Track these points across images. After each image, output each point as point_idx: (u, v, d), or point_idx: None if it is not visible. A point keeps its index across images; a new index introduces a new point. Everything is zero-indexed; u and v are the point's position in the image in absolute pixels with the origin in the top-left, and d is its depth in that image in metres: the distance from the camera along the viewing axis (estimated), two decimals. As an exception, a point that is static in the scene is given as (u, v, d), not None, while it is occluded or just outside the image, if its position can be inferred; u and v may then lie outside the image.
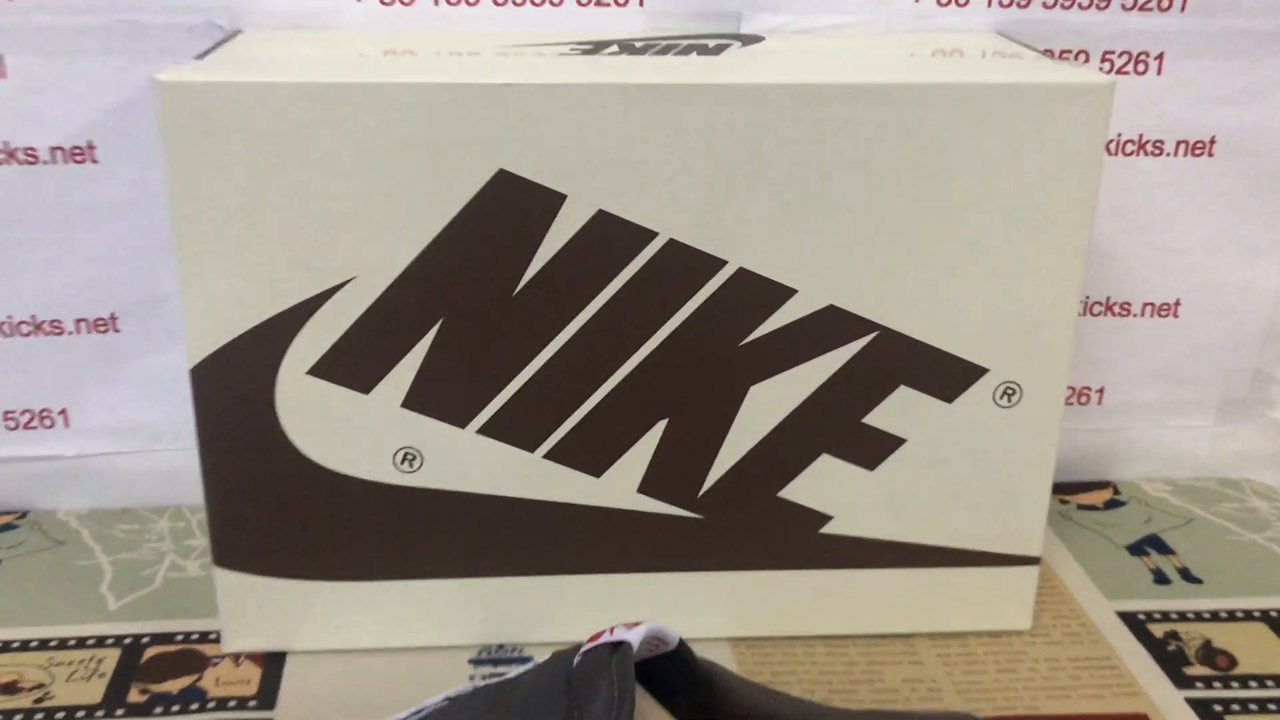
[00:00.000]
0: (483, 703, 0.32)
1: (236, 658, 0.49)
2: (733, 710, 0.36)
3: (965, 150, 0.42)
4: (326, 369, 0.43)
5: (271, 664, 0.49)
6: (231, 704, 0.46)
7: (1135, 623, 0.52)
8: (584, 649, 0.32)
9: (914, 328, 0.44)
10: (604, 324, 0.43)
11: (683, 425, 0.45)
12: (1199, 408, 0.62)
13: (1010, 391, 0.46)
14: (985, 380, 0.46)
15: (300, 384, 0.44)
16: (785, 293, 0.43)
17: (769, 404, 0.45)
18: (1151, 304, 0.59)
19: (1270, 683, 0.49)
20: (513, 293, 0.43)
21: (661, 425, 0.45)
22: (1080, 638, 0.51)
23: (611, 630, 0.32)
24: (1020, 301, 0.44)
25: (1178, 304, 0.59)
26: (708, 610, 0.49)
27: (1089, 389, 0.61)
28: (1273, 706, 0.48)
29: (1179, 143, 0.56)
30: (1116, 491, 0.62)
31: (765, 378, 0.45)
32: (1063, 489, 0.62)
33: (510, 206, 0.41)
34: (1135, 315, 0.59)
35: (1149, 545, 0.58)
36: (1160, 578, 0.55)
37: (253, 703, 0.47)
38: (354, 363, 0.43)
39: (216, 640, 0.50)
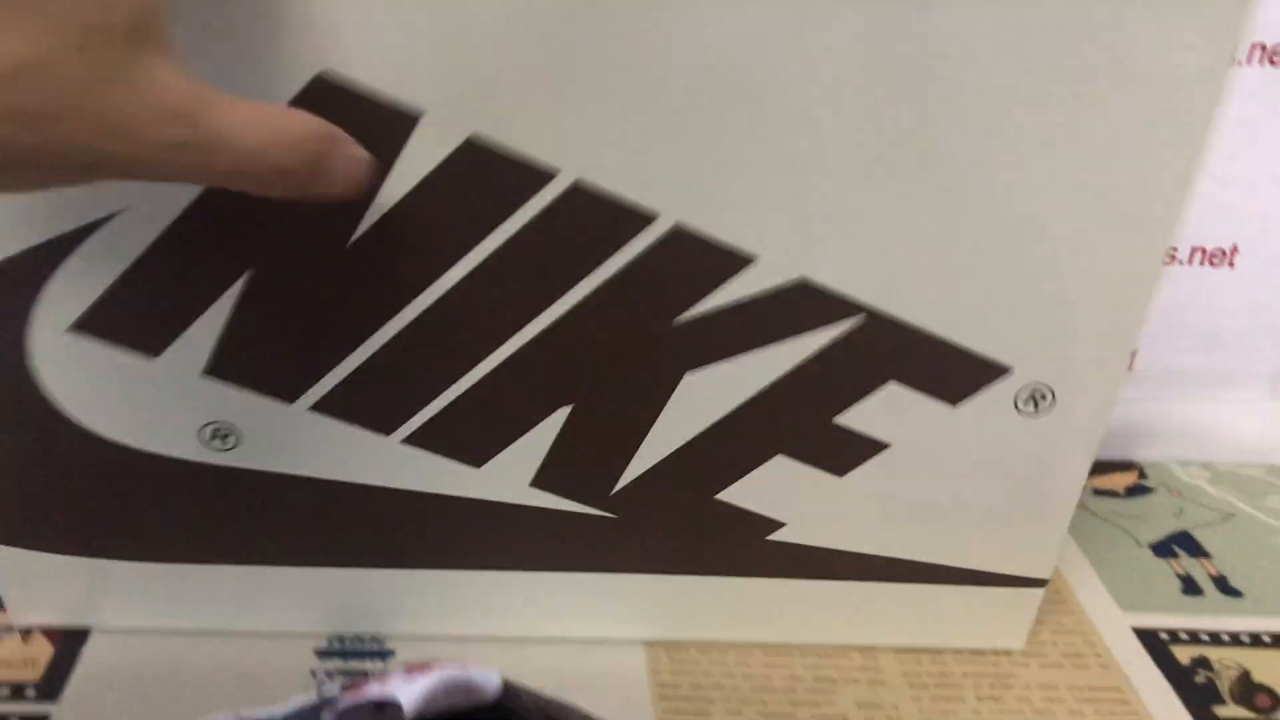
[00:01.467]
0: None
1: (26, 633, 0.39)
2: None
3: (1011, 63, 0.29)
4: (95, 325, 0.33)
5: (70, 643, 0.39)
6: (3, 692, 0.37)
7: (1156, 644, 0.42)
8: (341, 706, 0.21)
9: (913, 311, 0.33)
10: (482, 286, 0.32)
11: (591, 414, 0.35)
12: (1251, 378, 0.51)
13: (1040, 397, 0.35)
14: (1007, 381, 0.34)
15: (62, 342, 0.33)
16: (738, 261, 0.32)
17: (709, 396, 0.34)
18: (1202, 249, 0.48)
19: (1324, 734, 0.39)
20: (348, 240, 0.32)
21: (564, 413, 0.35)
22: (1086, 660, 0.41)
23: (384, 679, 0.22)
24: (1068, 283, 0.33)
25: (1234, 251, 0.48)
26: (619, 611, 0.39)
27: (1117, 350, 0.50)
28: (1326, 766, 0.37)
29: (1255, 46, 0.45)
30: (1143, 475, 0.51)
31: (704, 364, 0.34)
32: (1077, 469, 0.51)
33: (341, 124, 0.30)
34: (1181, 263, 0.48)
35: (1178, 545, 0.47)
36: (1190, 587, 0.45)
37: (30, 691, 0.37)
38: (133, 320, 0.32)
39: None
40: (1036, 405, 0.34)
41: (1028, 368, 0.34)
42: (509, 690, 0.23)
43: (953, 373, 0.34)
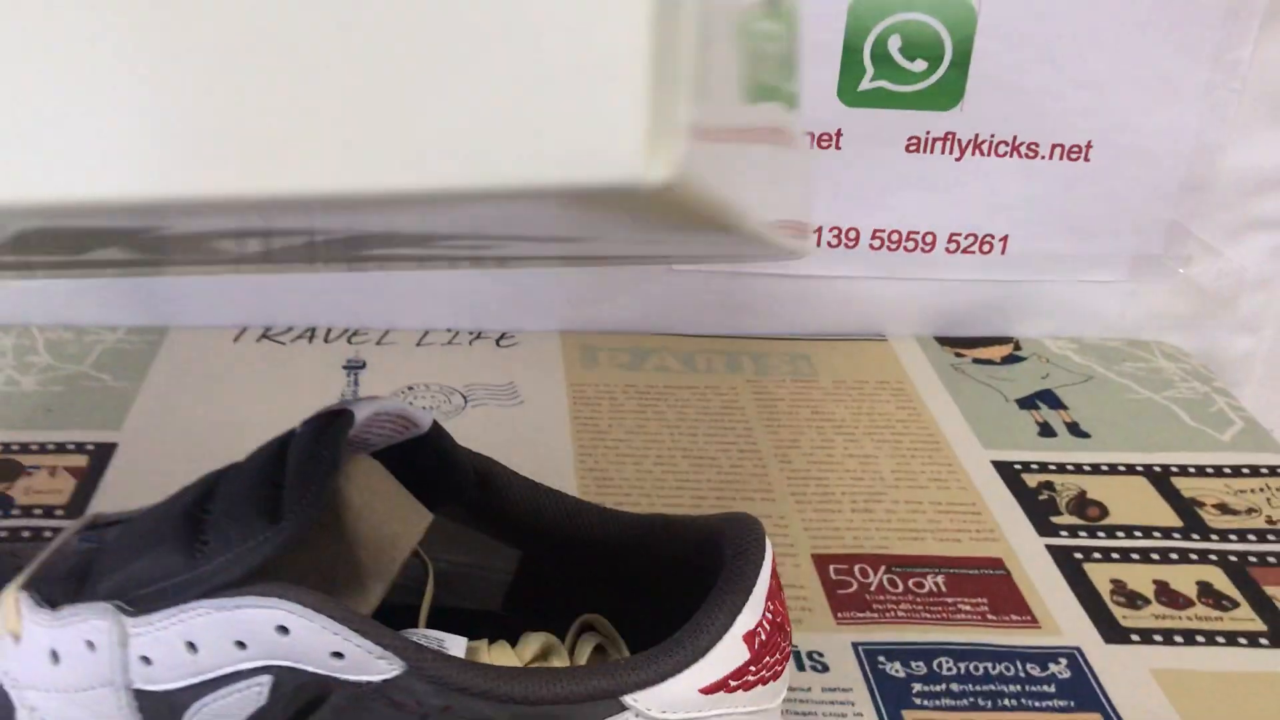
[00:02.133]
0: (203, 482, 0.30)
1: (53, 470, 0.47)
2: (511, 513, 0.34)
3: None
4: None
5: (90, 477, 0.46)
6: (36, 511, 0.44)
7: (1010, 472, 0.50)
8: (304, 420, 0.29)
9: None
10: None
11: None
12: (1111, 262, 0.58)
13: None
14: None
15: None
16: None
17: None
18: (1061, 145, 0.55)
19: (1137, 533, 0.46)
20: None
21: None
22: (947, 484, 0.49)
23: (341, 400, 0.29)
24: None
25: (1089, 146, 0.55)
26: None
27: (992, 236, 0.57)
28: (1135, 556, 0.45)
29: (1094, -35, 0.52)
30: (1018, 347, 0.59)
31: None
32: (960, 343, 0.59)
33: None
34: (1043, 158, 0.56)
35: (1041, 399, 0.55)
36: (1046, 431, 0.53)
37: (59, 511, 0.44)
38: None
39: (38, 451, 0.48)
40: None
41: None
42: (439, 429, 0.31)
43: None
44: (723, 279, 0.57)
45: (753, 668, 0.29)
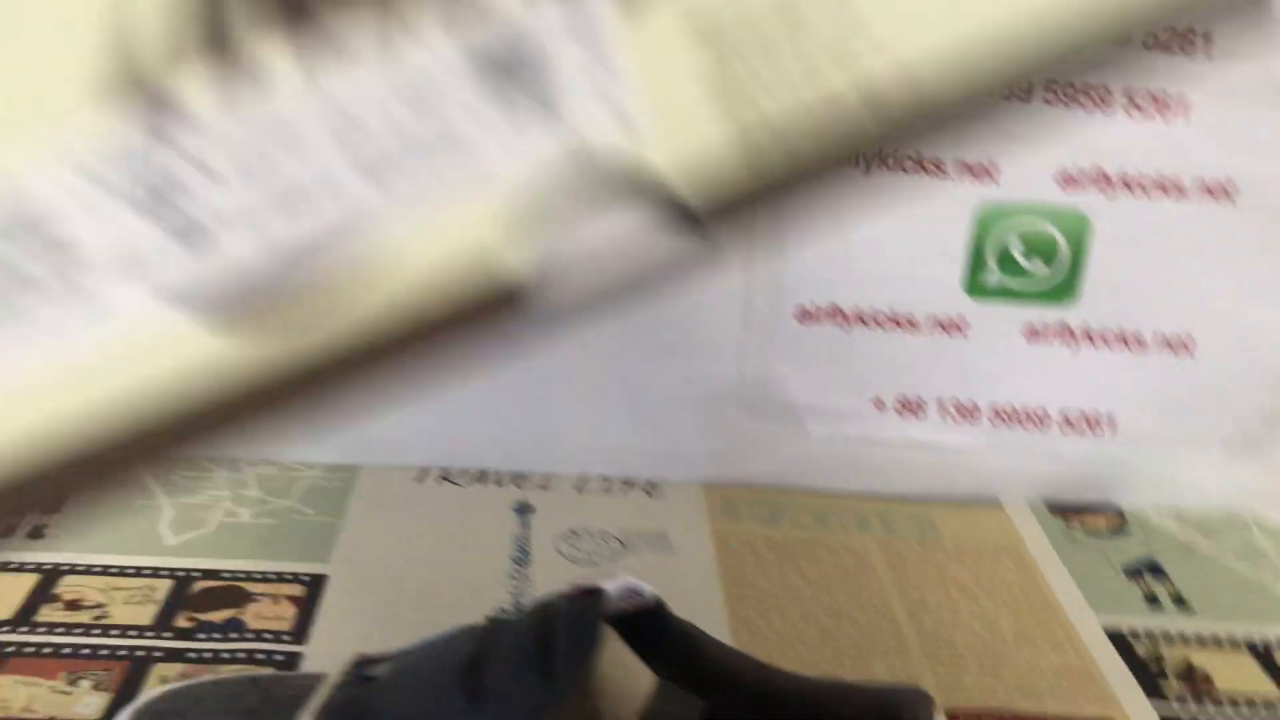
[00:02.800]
0: (474, 635, 0.36)
1: (275, 598, 0.54)
2: (709, 672, 0.40)
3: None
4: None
5: (307, 605, 0.53)
6: (267, 635, 0.51)
7: (1120, 639, 0.55)
8: (563, 595, 0.35)
9: None
10: None
11: None
12: (1209, 442, 0.64)
13: None
14: None
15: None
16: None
17: None
18: (1164, 337, 0.61)
19: (1244, 705, 0.51)
20: None
21: None
22: (1064, 648, 0.54)
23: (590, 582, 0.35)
24: None
25: (1191, 339, 0.61)
26: None
27: (1100, 415, 0.63)
28: (1240, 725, 0.50)
29: (1199, 184, 0.59)
30: (1122, 518, 0.64)
31: None
32: (1070, 511, 0.64)
33: None
34: (1148, 347, 0.62)
35: (1146, 569, 0.60)
36: (1152, 600, 0.58)
37: (286, 636, 0.51)
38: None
39: (261, 580, 0.55)
40: None
41: None
42: (660, 602, 0.37)
43: None
44: (853, 445, 0.64)
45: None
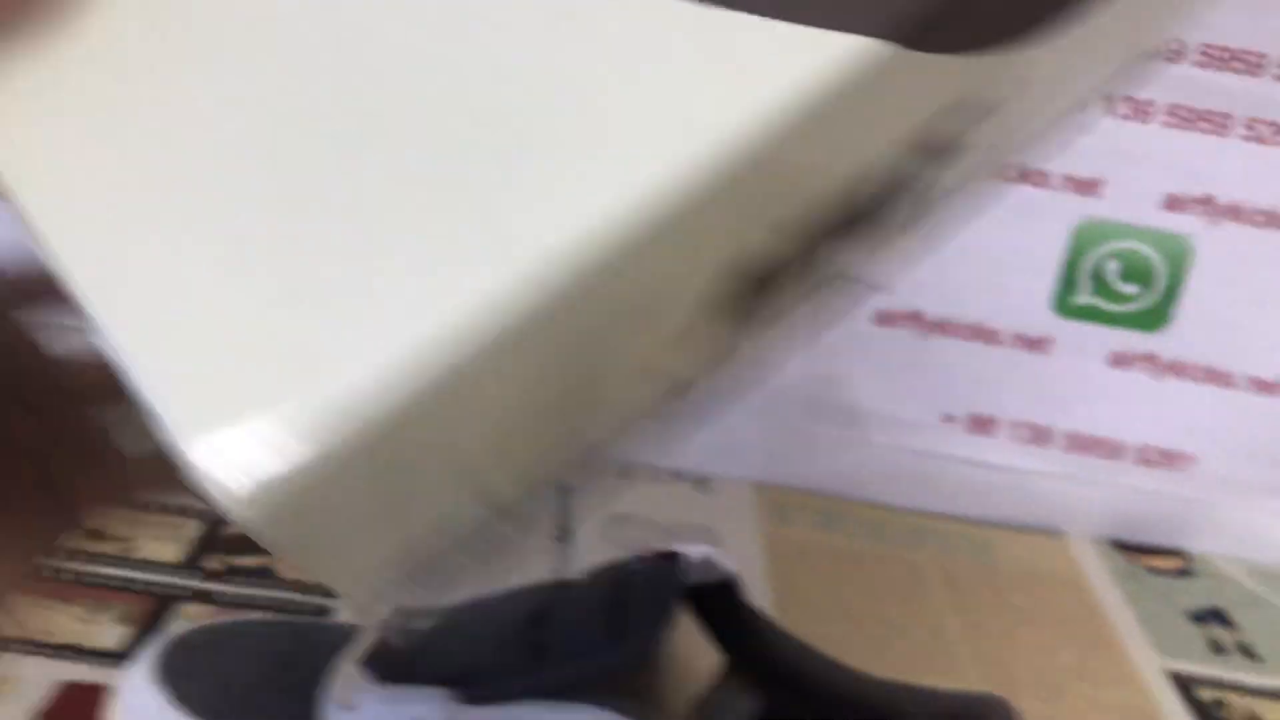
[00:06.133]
0: (536, 594, 0.34)
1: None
2: (777, 661, 0.37)
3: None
4: None
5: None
6: (298, 586, 0.49)
7: (1184, 684, 0.52)
8: (639, 557, 0.33)
9: None
10: None
11: None
12: (1289, 493, 0.61)
13: None
14: None
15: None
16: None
17: None
18: (1256, 379, 0.59)
19: (1313, 765, 0.48)
20: None
21: None
22: (1125, 686, 0.51)
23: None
24: None
25: (1283, 383, 0.59)
26: None
27: (1179, 454, 0.60)
28: (1311, 787, 0.47)
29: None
30: (1190, 561, 0.61)
31: None
32: (1135, 549, 0.62)
33: None
34: (1236, 386, 0.59)
35: (1212, 616, 0.57)
36: (1218, 648, 0.55)
37: (318, 588, 0.49)
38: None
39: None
40: None
41: None
42: (736, 579, 0.35)
43: None
44: (916, 458, 0.61)
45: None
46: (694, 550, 0.33)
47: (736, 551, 0.57)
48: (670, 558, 0.32)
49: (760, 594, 0.54)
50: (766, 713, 0.39)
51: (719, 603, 0.35)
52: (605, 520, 0.58)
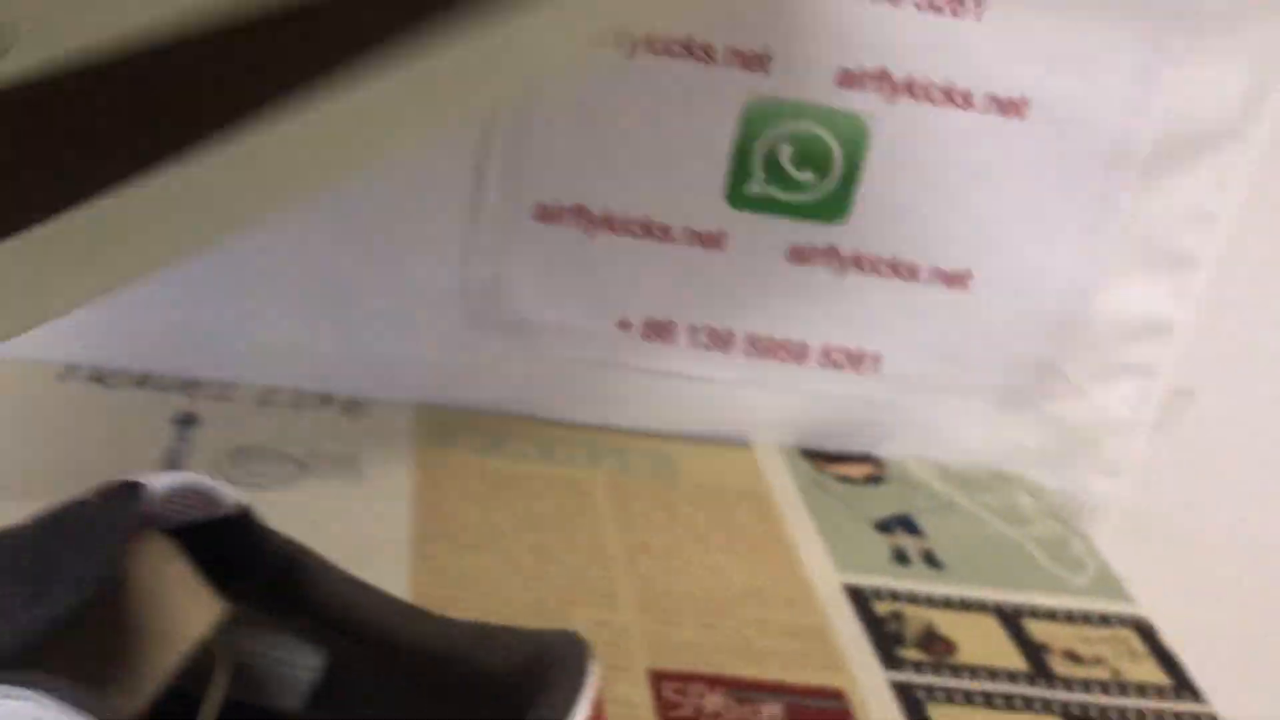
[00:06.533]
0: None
1: None
2: (317, 606, 0.31)
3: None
4: None
5: None
6: None
7: (860, 597, 0.48)
8: (93, 493, 0.26)
9: None
10: None
11: None
12: (981, 392, 0.58)
13: None
14: None
15: None
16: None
17: None
18: (941, 271, 0.55)
19: (984, 675, 0.45)
20: None
21: None
22: (796, 604, 0.47)
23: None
24: None
25: (968, 275, 0.55)
26: None
27: (865, 354, 0.56)
28: (979, 699, 0.44)
29: (990, 98, 0.52)
30: (881, 468, 0.58)
31: None
32: (825, 457, 0.58)
33: None
34: (922, 281, 0.55)
35: (899, 524, 0.54)
36: (901, 558, 0.51)
37: None
38: None
39: None
40: None
41: None
42: (246, 511, 0.28)
43: None
44: (587, 368, 0.55)
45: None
46: (165, 480, 0.26)
47: (380, 481, 0.50)
48: (127, 491, 0.25)
49: (400, 527, 0.47)
50: (333, 667, 0.32)
51: (236, 541, 0.29)
52: (224, 455, 0.50)
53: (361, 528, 0.47)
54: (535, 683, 0.28)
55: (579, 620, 0.44)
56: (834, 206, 0.53)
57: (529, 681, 0.29)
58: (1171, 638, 0.49)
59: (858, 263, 0.54)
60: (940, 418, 0.58)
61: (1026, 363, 0.58)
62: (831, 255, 0.54)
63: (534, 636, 0.29)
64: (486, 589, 0.45)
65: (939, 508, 0.56)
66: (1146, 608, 0.51)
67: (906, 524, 0.54)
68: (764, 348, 0.56)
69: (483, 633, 0.30)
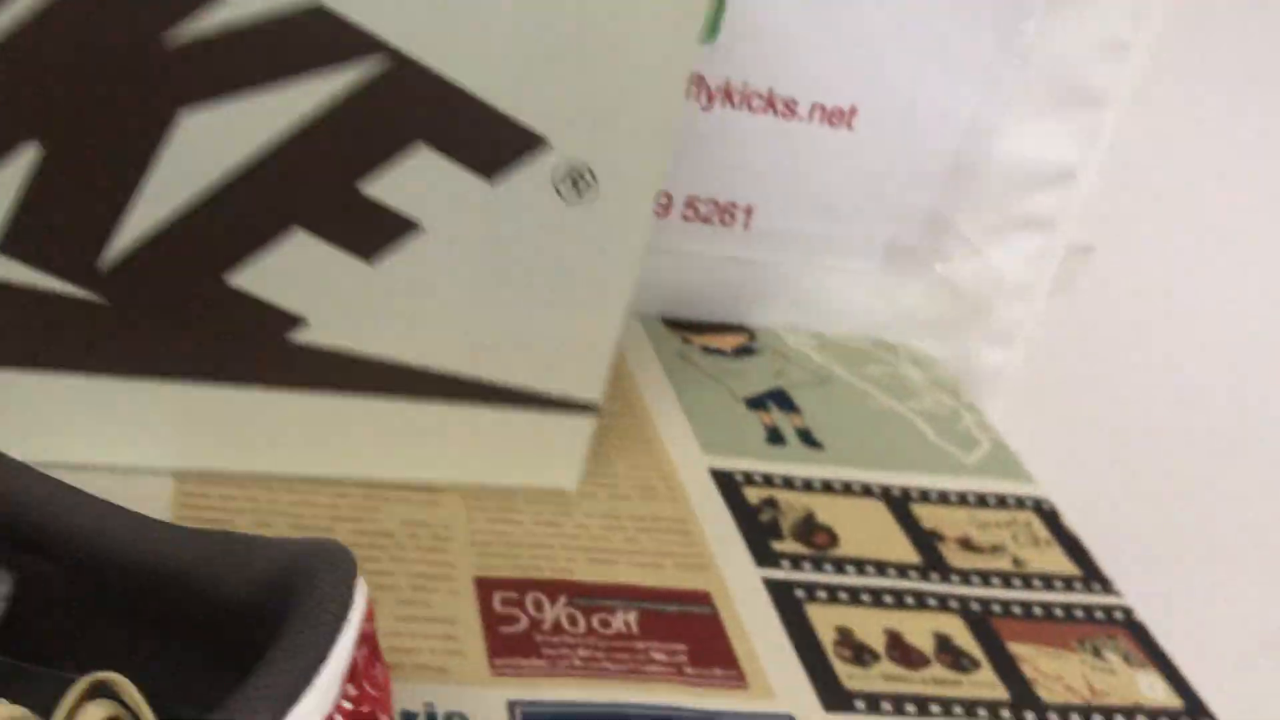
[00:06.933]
0: None
1: None
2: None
3: None
4: None
5: None
6: None
7: (729, 483, 0.41)
8: None
9: (442, 59, 0.30)
10: None
11: (68, 157, 0.29)
12: (864, 250, 0.51)
13: (579, 178, 0.32)
14: (544, 157, 0.32)
15: None
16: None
17: (212, 144, 0.30)
18: (822, 107, 0.48)
19: (870, 569, 0.39)
20: None
21: (31, 153, 0.29)
22: (656, 493, 0.40)
23: None
24: (610, 55, 0.31)
25: (853, 112, 0.48)
26: (123, 428, 0.34)
27: (735, 206, 0.49)
28: (866, 597, 0.38)
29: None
30: (752, 338, 0.51)
31: (203, 100, 0.29)
32: (690, 327, 0.50)
33: None
34: (801, 119, 0.48)
35: (772, 400, 0.47)
36: (775, 437, 0.45)
37: None
38: None
39: None
40: (578, 188, 0.32)
41: (566, 142, 0.32)
42: None
43: (486, 139, 0.31)
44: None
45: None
46: None
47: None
48: None
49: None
50: (24, 591, 0.24)
51: None
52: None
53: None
54: (283, 604, 0.20)
55: (391, 519, 0.36)
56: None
57: (276, 602, 0.21)
58: (1075, 520, 0.44)
59: (727, 94, 0.46)
60: (818, 280, 0.51)
61: (915, 216, 0.51)
62: (697, 84, 0.46)
63: (291, 547, 0.21)
64: (276, 492, 0.36)
65: (817, 381, 0.49)
66: (1047, 488, 0.46)
67: (781, 399, 0.47)
68: (618, 198, 0.48)
69: (228, 543, 0.22)
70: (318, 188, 0.31)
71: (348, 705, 0.19)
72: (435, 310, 0.34)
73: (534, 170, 0.32)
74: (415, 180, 0.32)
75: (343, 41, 0.29)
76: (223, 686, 0.22)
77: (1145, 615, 0.40)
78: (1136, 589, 0.42)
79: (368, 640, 0.20)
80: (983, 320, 0.53)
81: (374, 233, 0.32)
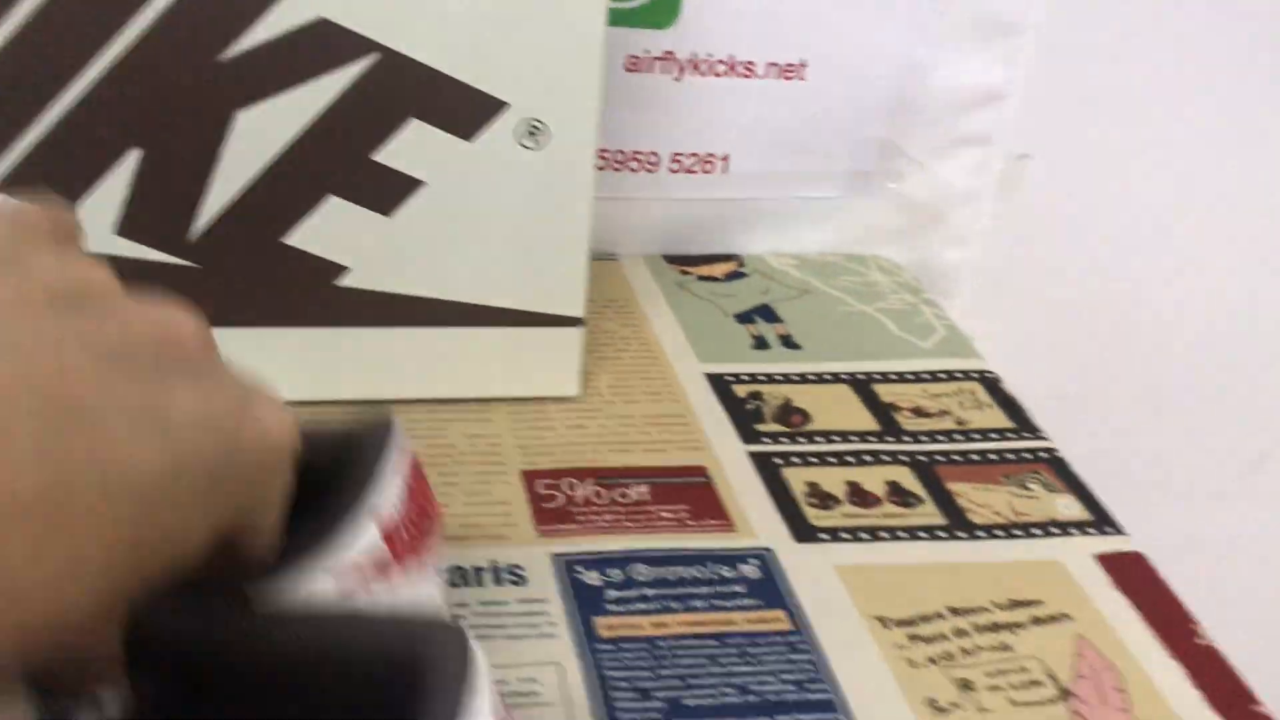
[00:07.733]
0: None
1: None
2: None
3: None
4: None
5: None
6: None
7: (721, 384, 0.51)
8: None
9: (420, 50, 0.40)
10: (39, 29, 0.38)
11: (161, 156, 0.40)
12: (828, 179, 0.60)
13: (535, 130, 0.42)
14: (506, 116, 0.42)
15: None
16: (261, 2, 0.39)
17: (260, 134, 0.41)
18: (776, 64, 0.57)
19: (835, 438, 0.48)
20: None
21: (135, 155, 0.40)
22: (661, 397, 0.50)
23: None
24: (541, 24, 0.41)
25: (804, 65, 0.57)
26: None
27: (713, 155, 0.58)
28: (831, 459, 0.47)
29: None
30: (741, 264, 0.61)
31: (251, 102, 0.40)
32: (687, 261, 0.60)
33: None
34: (760, 77, 0.57)
35: (758, 314, 0.57)
36: (760, 344, 0.54)
37: None
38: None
39: None
40: (535, 137, 0.42)
41: (522, 102, 0.42)
42: None
43: (461, 108, 0.42)
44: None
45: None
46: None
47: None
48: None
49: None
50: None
51: None
52: None
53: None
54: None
55: (454, 434, 0.46)
56: (662, 12, 0.54)
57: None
58: (1023, 388, 0.53)
59: (694, 65, 0.56)
60: (793, 210, 0.61)
61: (869, 145, 0.60)
62: (669, 61, 0.55)
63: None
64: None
65: (796, 294, 0.58)
66: (996, 362, 0.55)
67: (766, 313, 0.57)
68: (616, 160, 0.57)
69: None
70: (340, 160, 0.42)
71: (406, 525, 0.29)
72: (442, 248, 0.44)
73: (500, 127, 0.42)
74: (413, 147, 0.42)
75: (345, 45, 0.40)
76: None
77: (1074, 459, 0.49)
78: (1071, 438, 0.51)
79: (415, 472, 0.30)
80: (939, 227, 0.62)
81: (388, 191, 0.43)
